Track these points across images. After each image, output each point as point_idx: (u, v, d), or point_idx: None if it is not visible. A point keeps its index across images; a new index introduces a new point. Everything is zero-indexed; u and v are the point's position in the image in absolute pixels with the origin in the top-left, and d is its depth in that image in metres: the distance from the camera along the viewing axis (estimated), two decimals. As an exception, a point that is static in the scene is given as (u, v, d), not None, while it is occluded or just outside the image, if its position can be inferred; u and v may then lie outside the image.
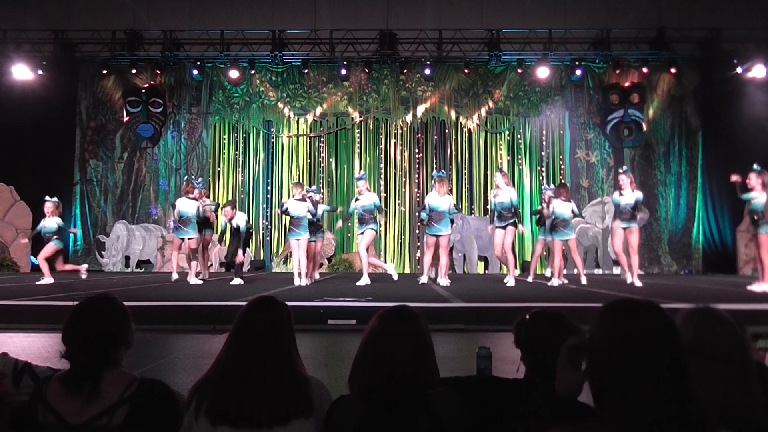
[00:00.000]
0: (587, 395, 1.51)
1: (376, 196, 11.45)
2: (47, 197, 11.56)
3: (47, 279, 10.92)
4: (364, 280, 10.53)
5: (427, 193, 17.11)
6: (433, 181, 10.99)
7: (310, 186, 14.11)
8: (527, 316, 2.23)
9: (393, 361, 1.93)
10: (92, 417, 1.99)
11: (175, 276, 11.60)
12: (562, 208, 10.50)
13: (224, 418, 1.94)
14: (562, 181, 12.45)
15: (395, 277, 11.50)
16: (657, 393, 1.34)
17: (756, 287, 9.16)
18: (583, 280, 10.62)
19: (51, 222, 11.32)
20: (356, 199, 10.97)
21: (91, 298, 2.19)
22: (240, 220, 10.85)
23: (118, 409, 2.00)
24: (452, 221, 10.96)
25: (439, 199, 10.48)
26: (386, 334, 1.99)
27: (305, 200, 10.76)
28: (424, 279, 10.84)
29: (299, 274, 10.65)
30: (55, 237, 11.22)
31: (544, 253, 13.07)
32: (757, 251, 9.47)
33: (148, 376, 2.15)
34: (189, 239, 11.20)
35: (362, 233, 10.72)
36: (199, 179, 13.34)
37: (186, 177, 15.12)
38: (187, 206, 11.23)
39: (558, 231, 10.54)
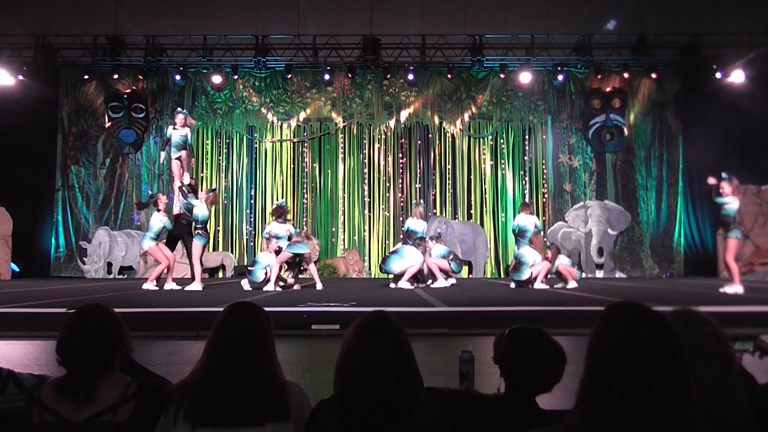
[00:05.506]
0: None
1: None
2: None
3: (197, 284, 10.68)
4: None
5: (410, 199, 17.24)
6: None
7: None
8: (506, 332, 2.18)
9: (376, 370, 1.88)
10: (94, 414, 2.00)
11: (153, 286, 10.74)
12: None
13: (204, 420, 1.95)
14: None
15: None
16: (650, 397, 1.34)
17: (728, 289, 9.45)
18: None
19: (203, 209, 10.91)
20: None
21: (83, 312, 2.15)
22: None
23: (121, 408, 2.02)
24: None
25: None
26: (366, 345, 1.90)
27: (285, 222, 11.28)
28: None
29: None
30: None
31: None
32: (723, 254, 9.76)
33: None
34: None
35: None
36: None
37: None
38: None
39: None
